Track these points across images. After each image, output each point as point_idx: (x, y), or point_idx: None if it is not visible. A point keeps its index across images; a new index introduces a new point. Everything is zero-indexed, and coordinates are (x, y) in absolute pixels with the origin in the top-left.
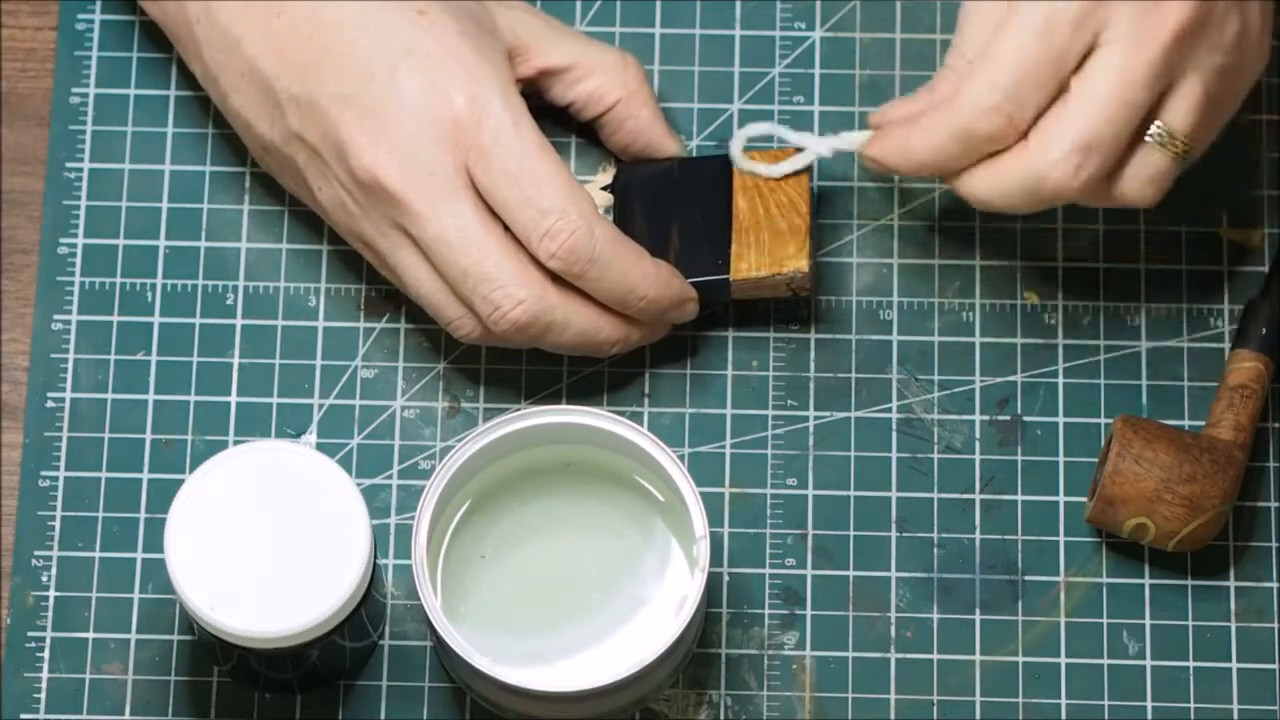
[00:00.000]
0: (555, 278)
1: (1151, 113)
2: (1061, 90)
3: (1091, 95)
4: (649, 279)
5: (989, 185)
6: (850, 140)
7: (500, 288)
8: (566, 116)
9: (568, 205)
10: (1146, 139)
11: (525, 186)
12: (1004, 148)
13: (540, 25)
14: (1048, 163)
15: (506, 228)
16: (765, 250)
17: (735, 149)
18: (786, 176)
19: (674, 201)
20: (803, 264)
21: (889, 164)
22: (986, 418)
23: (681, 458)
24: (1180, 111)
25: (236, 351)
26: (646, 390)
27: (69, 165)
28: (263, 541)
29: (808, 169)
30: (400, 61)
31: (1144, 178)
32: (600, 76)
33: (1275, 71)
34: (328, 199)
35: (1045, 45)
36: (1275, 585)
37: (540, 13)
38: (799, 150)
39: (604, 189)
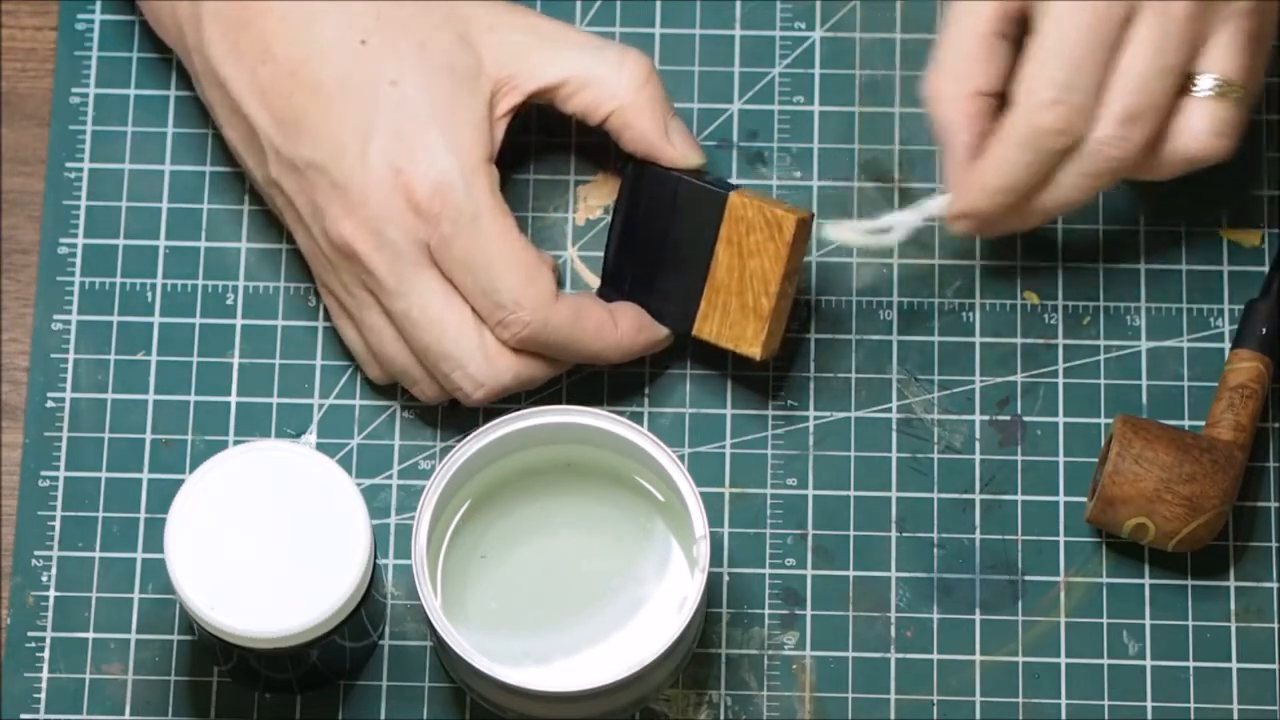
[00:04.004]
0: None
1: (1193, 66)
2: (1108, 71)
3: (1131, 67)
4: (611, 349)
5: (1058, 187)
6: (936, 206)
7: (460, 369)
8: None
9: (521, 298)
10: (1200, 93)
11: (480, 278)
12: (1074, 142)
13: (531, 44)
14: (1098, 139)
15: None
16: (729, 321)
17: (838, 232)
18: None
19: (672, 223)
20: (755, 351)
21: (977, 209)
22: (986, 418)
23: (681, 458)
24: (1224, 58)
25: (236, 351)
26: (646, 390)
27: (69, 165)
28: (263, 541)
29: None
30: (370, 140)
31: (1211, 130)
32: (593, 89)
33: (1274, 71)
34: (303, 244)
35: (1085, 28)
36: (1275, 585)
37: (537, 25)
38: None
39: (621, 169)
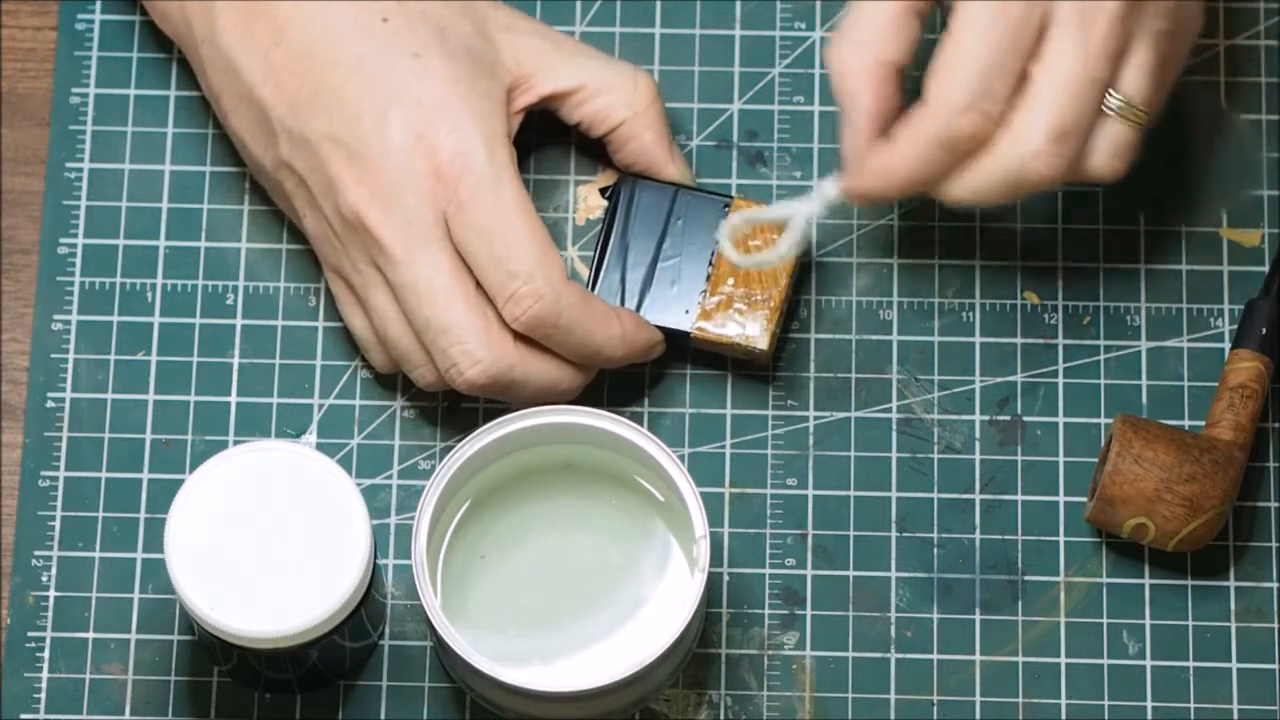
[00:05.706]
0: (519, 333)
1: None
2: (1021, 77)
3: (1056, 80)
4: (614, 341)
5: (969, 187)
6: (830, 187)
7: (459, 344)
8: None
9: (536, 271)
10: (1107, 111)
11: (496, 246)
12: (982, 145)
13: (547, 49)
14: (1028, 155)
15: (479, 283)
16: (731, 319)
17: (723, 241)
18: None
19: (666, 231)
20: (763, 344)
21: (876, 191)
22: (986, 418)
23: (681, 458)
24: (1135, 80)
25: (236, 351)
26: (646, 390)
27: (69, 165)
28: (263, 541)
29: (793, 251)
30: (390, 109)
31: (1110, 151)
32: (606, 97)
33: (1275, 71)
34: (312, 227)
35: (1002, 33)
36: (1275, 585)
37: (551, 33)
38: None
39: (601, 191)
